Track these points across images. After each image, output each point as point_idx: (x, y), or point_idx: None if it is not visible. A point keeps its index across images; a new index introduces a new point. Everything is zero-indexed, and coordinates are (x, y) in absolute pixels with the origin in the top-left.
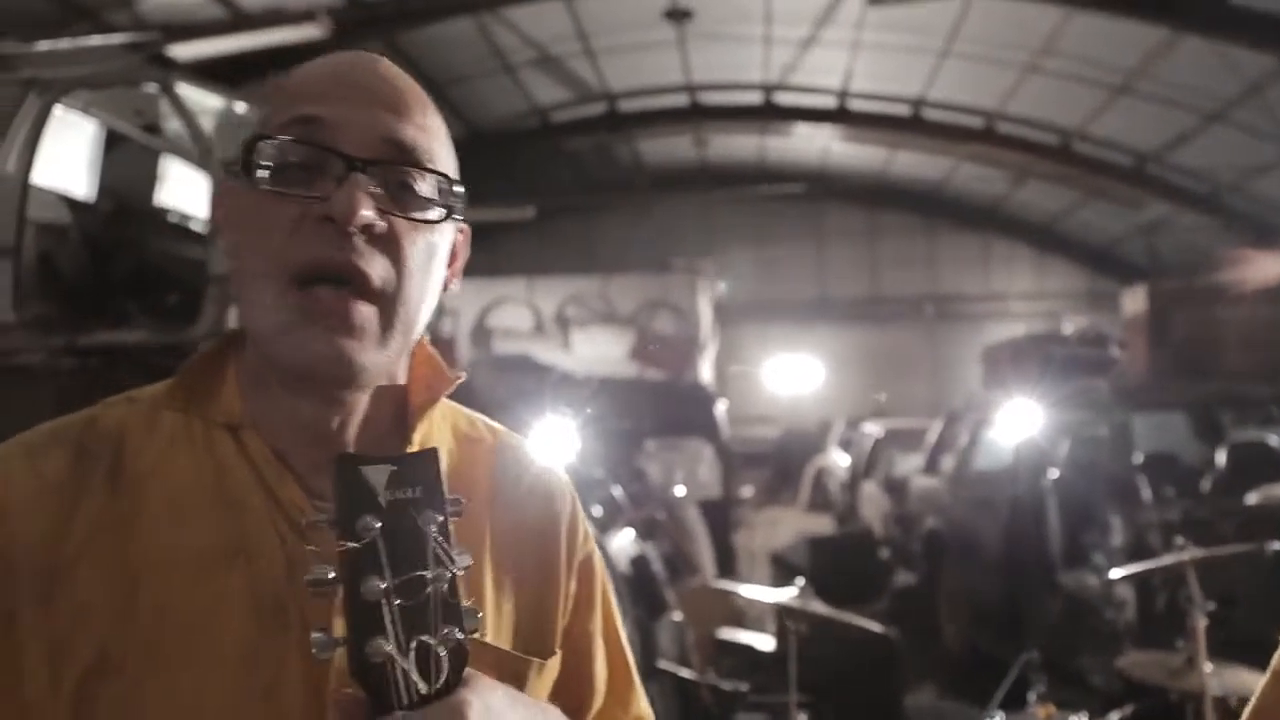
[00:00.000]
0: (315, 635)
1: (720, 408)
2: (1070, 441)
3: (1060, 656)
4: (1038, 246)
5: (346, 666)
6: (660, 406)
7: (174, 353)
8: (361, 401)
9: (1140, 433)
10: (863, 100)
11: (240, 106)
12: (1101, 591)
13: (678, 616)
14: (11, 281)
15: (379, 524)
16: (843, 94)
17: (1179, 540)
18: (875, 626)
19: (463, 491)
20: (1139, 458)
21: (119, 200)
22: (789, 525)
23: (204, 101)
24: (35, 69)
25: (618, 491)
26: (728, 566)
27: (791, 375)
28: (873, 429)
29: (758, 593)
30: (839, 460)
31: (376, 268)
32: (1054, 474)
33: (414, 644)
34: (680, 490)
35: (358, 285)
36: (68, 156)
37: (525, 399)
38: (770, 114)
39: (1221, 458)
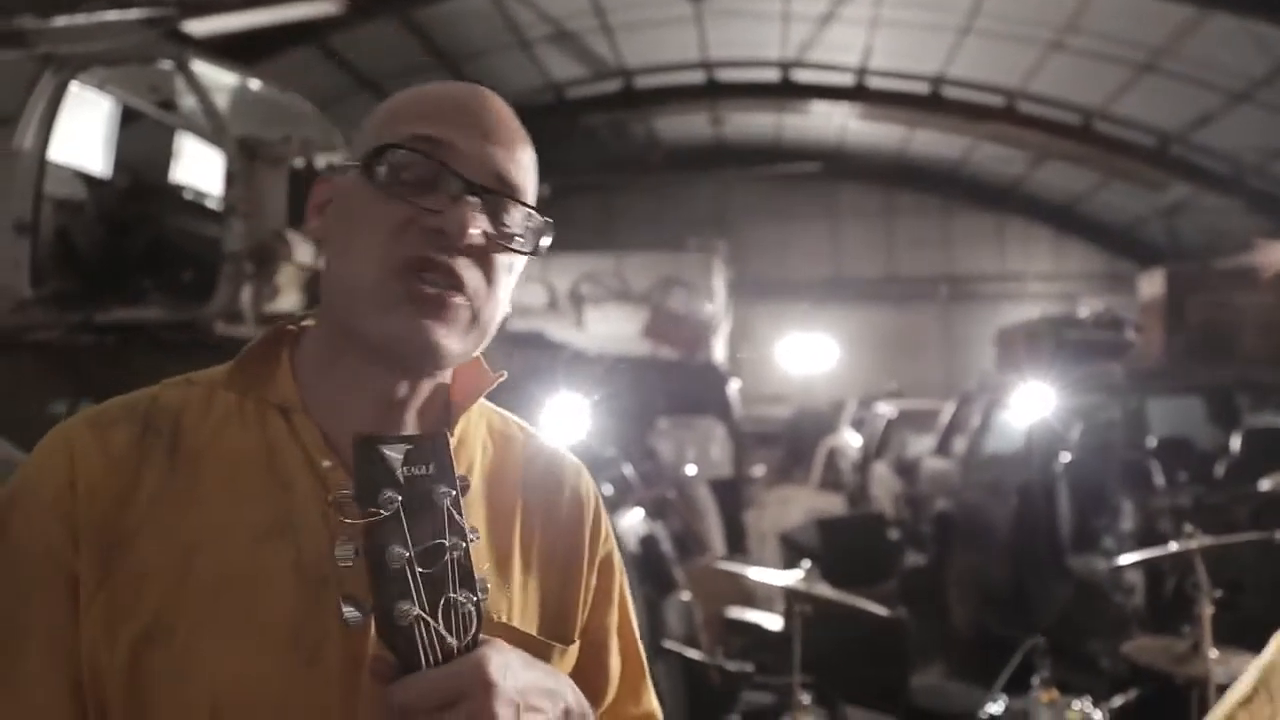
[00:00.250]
0: (345, 606)
1: (733, 387)
2: (1083, 425)
3: (1069, 640)
4: (1056, 227)
5: (376, 632)
6: (673, 385)
7: (189, 330)
8: (424, 389)
9: (1155, 417)
10: (881, 78)
11: (254, 83)
12: (1111, 576)
13: (686, 595)
14: (29, 258)
15: (399, 496)
16: (861, 71)
17: (1187, 527)
18: (880, 609)
19: (499, 484)
20: (1153, 442)
21: (135, 177)
22: (800, 505)
23: (219, 78)
24: (51, 45)
25: (629, 470)
26: (738, 545)
27: (805, 355)
28: (885, 409)
29: (763, 574)
30: (851, 440)
31: (471, 277)
32: (1066, 458)
33: (440, 603)
34: (692, 469)
35: (454, 285)
36: (84, 133)
37: (538, 376)
38: (787, 91)
39: (1236, 443)
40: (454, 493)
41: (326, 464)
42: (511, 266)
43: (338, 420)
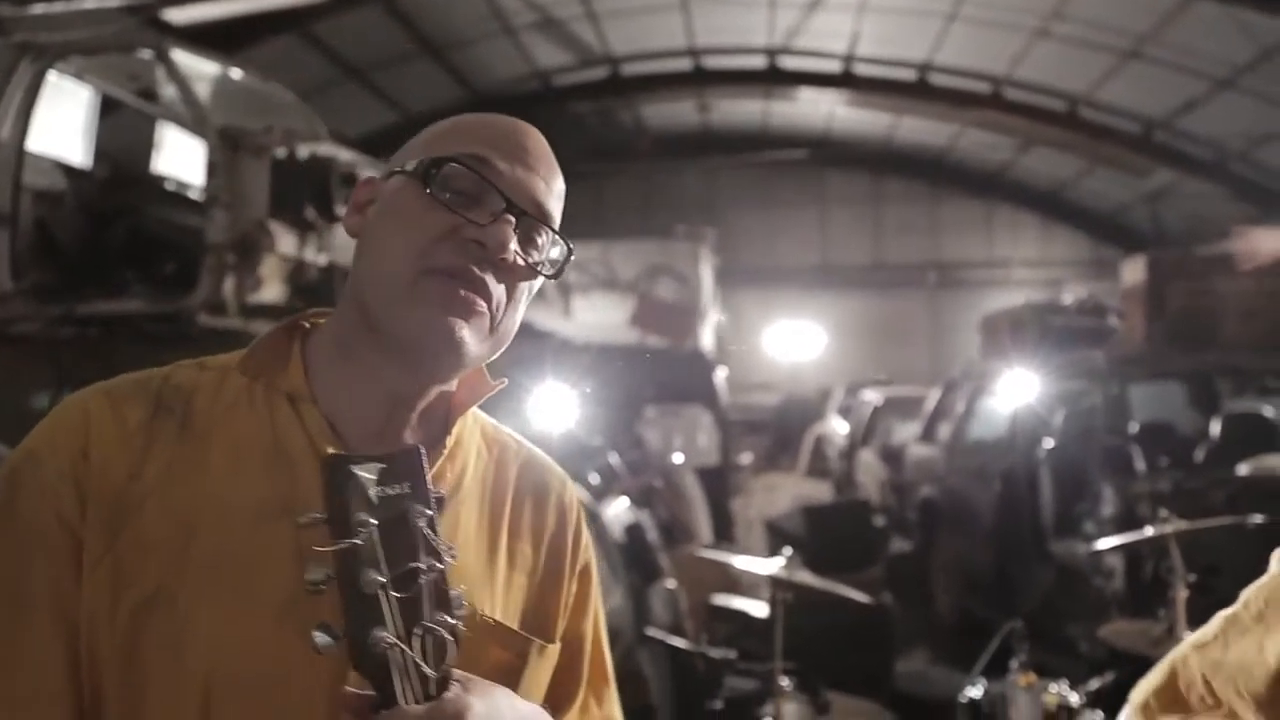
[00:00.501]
0: (316, 633)
1: (720, 375)
2: (1066, 411)
3: (1050, 624)
4: (1042, 214)
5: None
6: (660, 373)
7: (172, 321)
8: (432, 391)
9: (1137, 403)
10: (868, 65)
11: (236, 72)
12: (1090, 560)
13: (672, 583)
14: (8, 250)
15: (374, 520)
16: (848, 58)
17: (1162, 512)
18: (861, 596)
19: (491, 487)
20: (1134, 428)
21: (115, 167)
22: (787, 492)
23: (200, 67)
24: (28, 33)
25: (615, 459)
26: (725, 533)
27: (792, 342)
28: (872, 396)
29: (744, 563)
30: (838, 428)
31: (497, 290)
32: (1049, 443)
33: (416, 631)
34: (679, 457)
35: (483, 294)
36: (63, 123)
37: (525, 365)
38: (774, 78)
39: (1216, 428)
40: (430, 512)
41: (331, 449)
42: (531, 287)
43: (344, 412)
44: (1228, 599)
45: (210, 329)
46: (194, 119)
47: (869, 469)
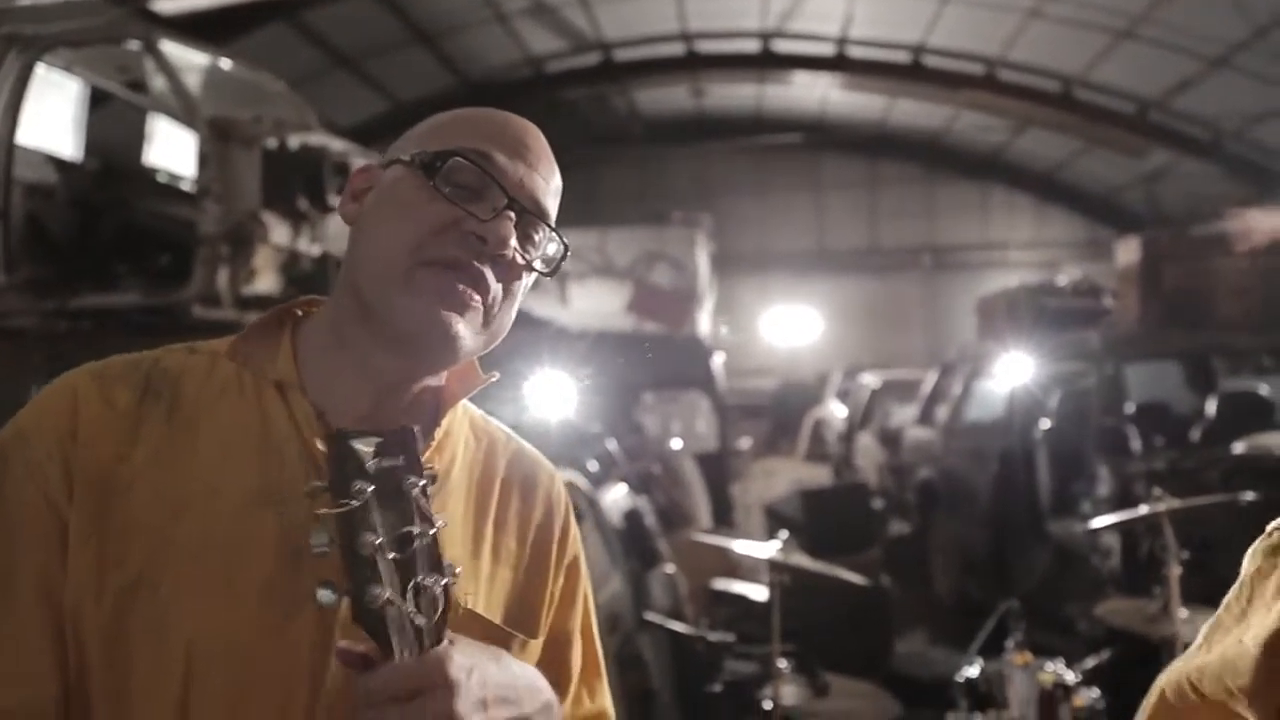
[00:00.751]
0: (319, 590)
1: (717, 360)
2: (1062, 392)
3: (1048, 604)
4: (1038, 195)
5: (349, 615)
6: (657, 359)
7: (166, 314)
8: (421, 383)
9: (1133, 383)
10: (862, 47)
11: (225, 63)
12: (1087, 540)
13: (671, 568)
14: (1, 244)
15: (370, 487)
16: (842, 41)
17: (1156, 490)
18: (858, 578)
19: (479, 479)
20: (1130, 408)
21: (106, 160)
22: (785, 476)
23: (189, 58)
24: (15, 25)
25: (613, 445)
26: (725, 518)
27: (789, 327)
28: (870, 380)
29: (741, 546)
30: (836, 411)
31: (495, 285)
32: (1045, 424)
33: (409, 586)
34: (677, 443)
35: (479, 288)
36: (52, 116)
37: (522, 353)
38: (768, 62)
39: (1212, 407)
40: (422, 483)
41: (318, 441)
42: (525, 283)
43: (333, 401)
44: (1222, 576)
45: (205, 321)
46: (184, 110)
47: (867, 452)
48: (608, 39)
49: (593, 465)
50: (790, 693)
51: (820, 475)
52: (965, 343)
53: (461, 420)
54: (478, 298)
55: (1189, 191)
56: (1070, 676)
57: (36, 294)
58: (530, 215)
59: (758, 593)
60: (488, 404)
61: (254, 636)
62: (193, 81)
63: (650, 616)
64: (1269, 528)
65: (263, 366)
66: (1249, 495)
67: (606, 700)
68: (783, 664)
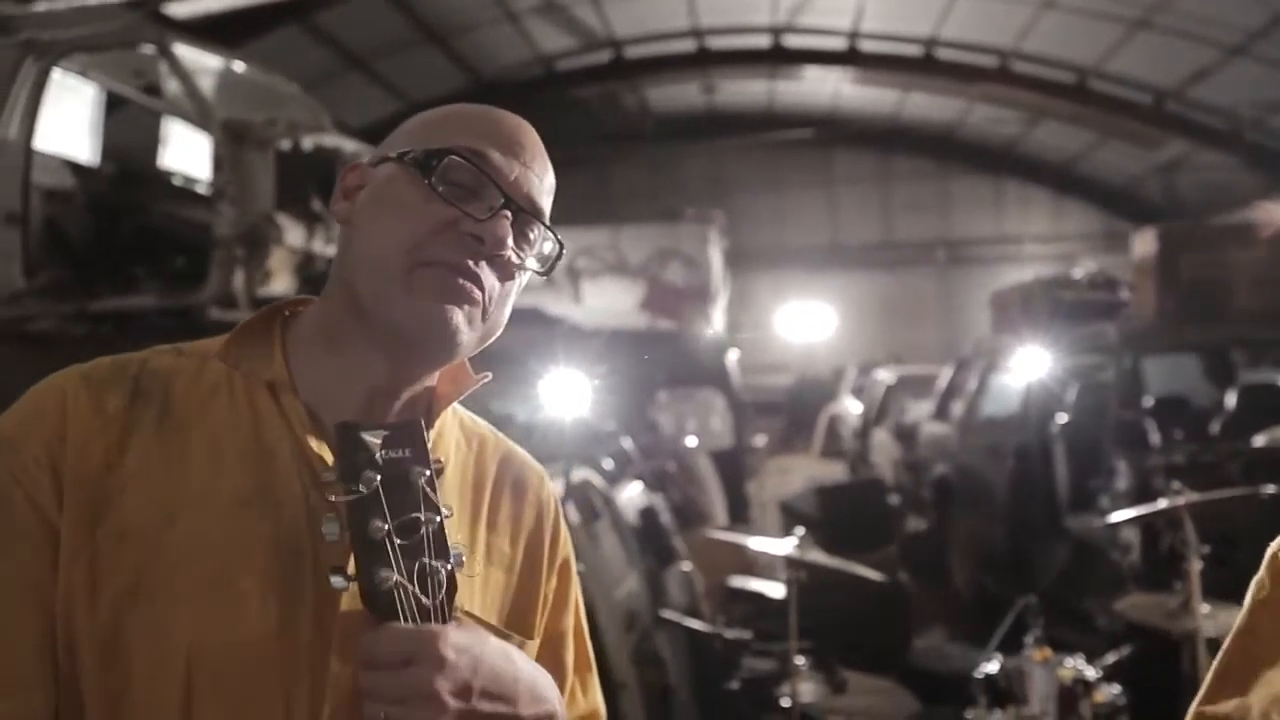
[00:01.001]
0: (332, 575)
1: (731, 357)
2: (1079, 386)
3: (1067, 599)
4: (1053, 188)
5: (360, 598)
6: (672, 357)
7: (183, 316)
8: (414, 383)
9: (1151, 376)
10: (874, 41)
11: (239, 65)
12: (1107, 535)
13: (687, 566)
14: (20, 248)
15: (378, 476)
16: (853, 35)
17: (1175, 484)
18: (873, 574)
19: (469, 480)
20: (1149, 401)
21: (122, 164)
22: (801, 473)
23: (203, 61)
24: (31, 31)
25: (628, 443)
26: (741, 515)
27: (804, 323)
28: (885, 375)
29: (756, 543)
30: (851, 408)
31: (490, 282)
32: (1062, 419)
33: (415, 568)
34: (692, 440)
35: (477, 285)
36: (69, 121)
37: (536, 351)
38: (779, 57)
39: (1232, 400)
40: (429, 473)
41: (312, 444)
42: (520, 281)
43: (326, 402)
44: (1243, 570)
45: (221, 323)
46: (198, 113)
47: (883, 448)
48: (618, 36)
49: (608, 463)
50: (808, 690)
51: (835, 472)
52: (980, 337)
53: (452, 422)
54: (477, 292)
55: (1206, 182)
56: (1090, 672)
57: (56, 297)
58: (526, 214)
59: (774, 590)
60: (503, 403)
61: (254, 639)
62: (207, 85)
63: (667, 614)
64: (1271, 549)
65: (254, 367)
66: (1270, 489)
67: (598, 695)
68: (800, 661)
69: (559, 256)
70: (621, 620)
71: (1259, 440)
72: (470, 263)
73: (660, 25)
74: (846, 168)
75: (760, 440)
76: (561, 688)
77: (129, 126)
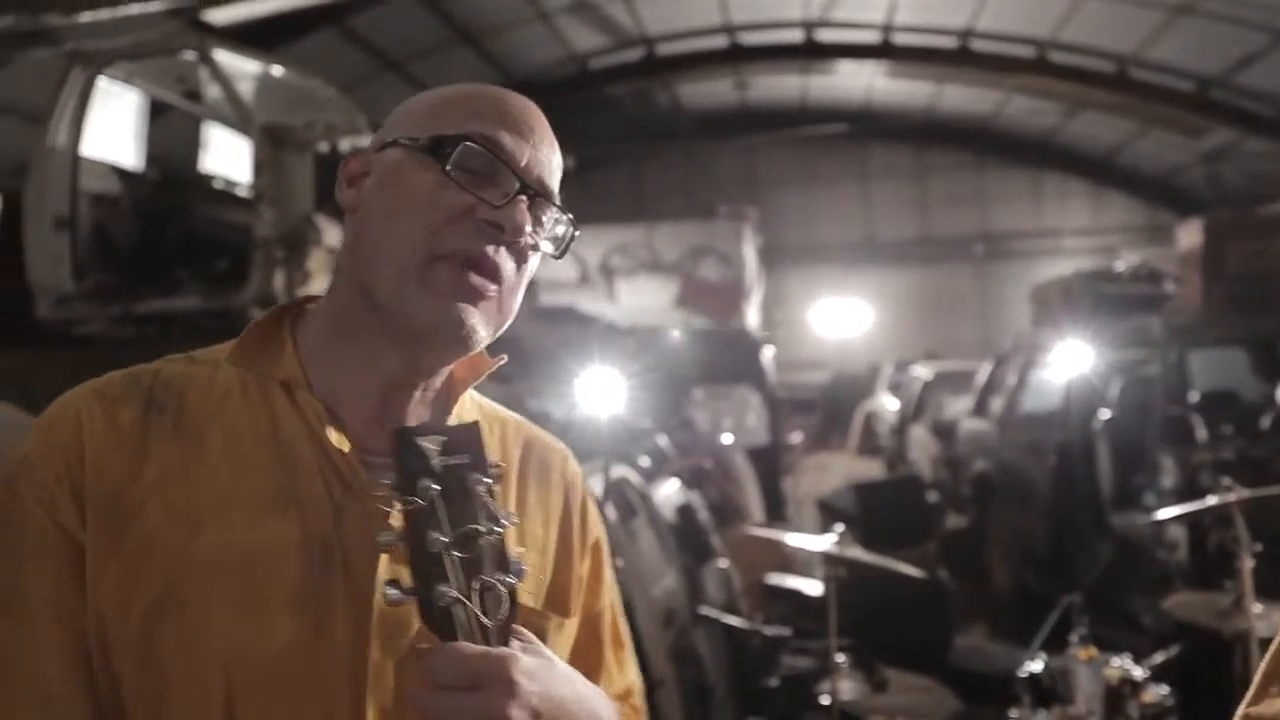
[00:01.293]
0: (387, 589)
1: (767, 354)
2: (1122, 381)
3: (1111, 598)
4: (1093, 180)
5: (417, 613)
6: (707, 354)
7: (224, 317)
8: (432, 371)
9: (1197, 370)
10: (907, 34)
11: (277, 70)
12: (1152, 532)
13: (724, 563)
14: (69, 252)
15: (436, 486)
16: (887, 28)
17: (1226, 480)
18: (915, 571)
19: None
20: (1195, 396)
21: (165, 169)
22: (838, 470)
23: (242, 66)
24: (78, 41)
25: (664, 441)
26: (777, 512)
27: (839, 319)
28: (921, 372)
29: (796, 540)
30: (888, 404)
31: (507, 269)
32: (1105, 414)
33: (475, 585)
34: (728, 437)
35: (494, 277)
36: (114, 127)
37: (570, 349)
38: (812, 52)
39: None
40: (488, 480)
41: (333, 441)
42: (534, 264)
43: (342, 397)
44: None
45: None
46: (239, 118)
47: (921, 445)
48: (650, 34)
49: (645, 461)
50: (848, 688)
51: (872, 469)
52: (1020, 332)
53: (472, 407)
54: (493, 288)
55: (1253, 171)
56: (1137, 672)
57: (103, 300)
58: (540, 198)
59: (812, 587)
60: (540, 401)
61: (288, 647)
62: (246, 89)
63: (706, 611)
64: None
65: (267, 368)
66: None
67: (634, 670)
68: (841, 659)
69: (572, 237)
70: (659, 617)
71: None
72: (490, 250)
73: (692, 22)
74: (881, 162)
75: (796, 437)
76: (599, 665)
77: (171, 132)
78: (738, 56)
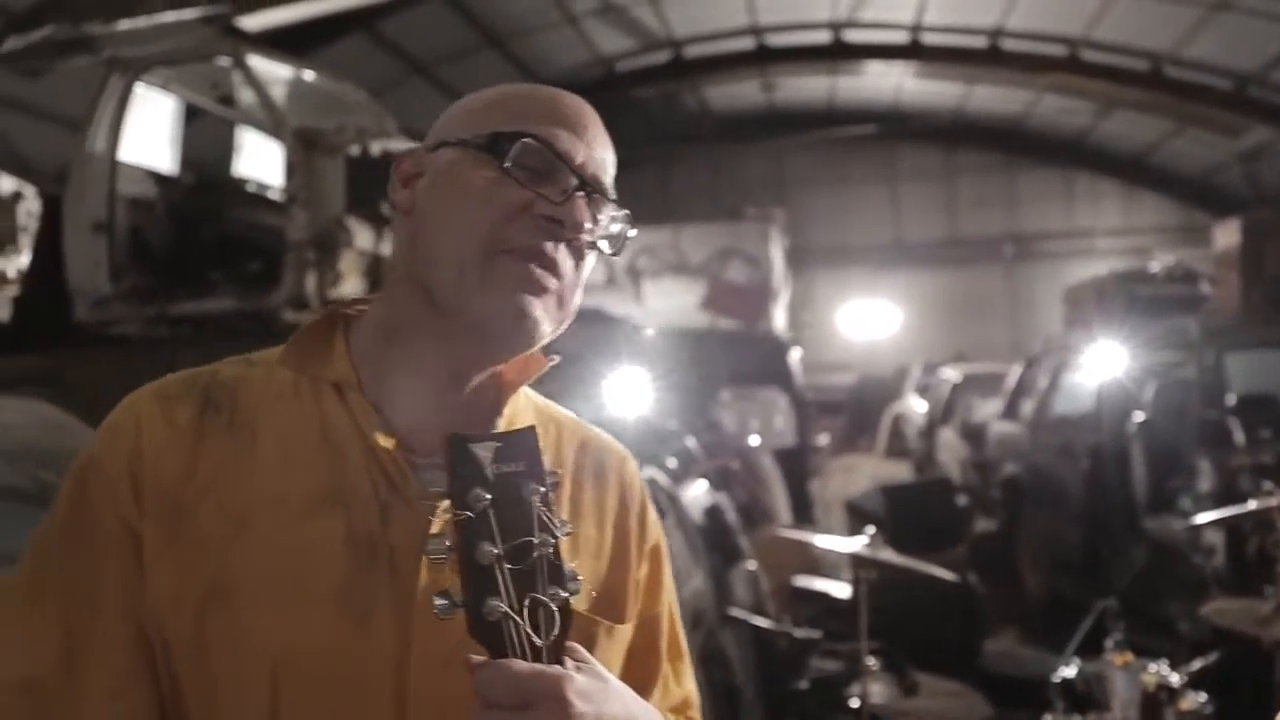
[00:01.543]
0: (436, 599)
1: (794, 355)
2: (1157, 384)
3: (1146, 603)
4: (1126, 180)
5: (466, 625)
6: (734, 356)
7: (257, 319)
8: (486, 371)
9: (1234, 373)
10: (937, 34)
11: (309, 74)
12: (1188, 537)
13: (752, 564)
14: (107, 255)
15: (489, 495)
16: (915, 28)
17: (1267, 485)
18: (946, 574)
19: (550, 464)
20: (1232, 399)
21: (200, 172)
22: (865, 472)
23: (275, 71)
24: (116, 49)
25: (692, 442)
26: (805, 514)
27: (867, 321)
28: (950, 374)
29: (827, 541)
30: (916, 406)
31: (566, 265)
32: (1139, 418)
33: (526, 601)
34: (755, 439)
35: (554, 273)
36: (151, 132)
37: (598, 351)
38: (840, 53)
39: None
40: (544, 489)
41: (380, 439)
42: (590, 261)
43: (393, 398)
44: None
45: (294, 325)
46: (272, 122)
47: (950, 448)
48: (677, 36)
49: (672, 462)
50: (878, 691)
51: (900, 471)
52: (1051, 334)
53: (525, 407)
54: (554, 281)
55: None
56: (1175, 678)
57: (139, 302)
58: (597, 195)
59: (840, 590)
60: (567, 403)
61: (334, 640)
62: (279, 94)
63: (734, 612)
64: None
65: (318, 369)
66: None
67: (691, 683)
68: (872, 662)
69: (627, 235)
70: (688, 618)
71: None
72: (550, 246)
73: (719, 24)
74: (910, 163)
75: (823, 439)
76: (655, 675)
77: (205, 136)
78: (765, 58)
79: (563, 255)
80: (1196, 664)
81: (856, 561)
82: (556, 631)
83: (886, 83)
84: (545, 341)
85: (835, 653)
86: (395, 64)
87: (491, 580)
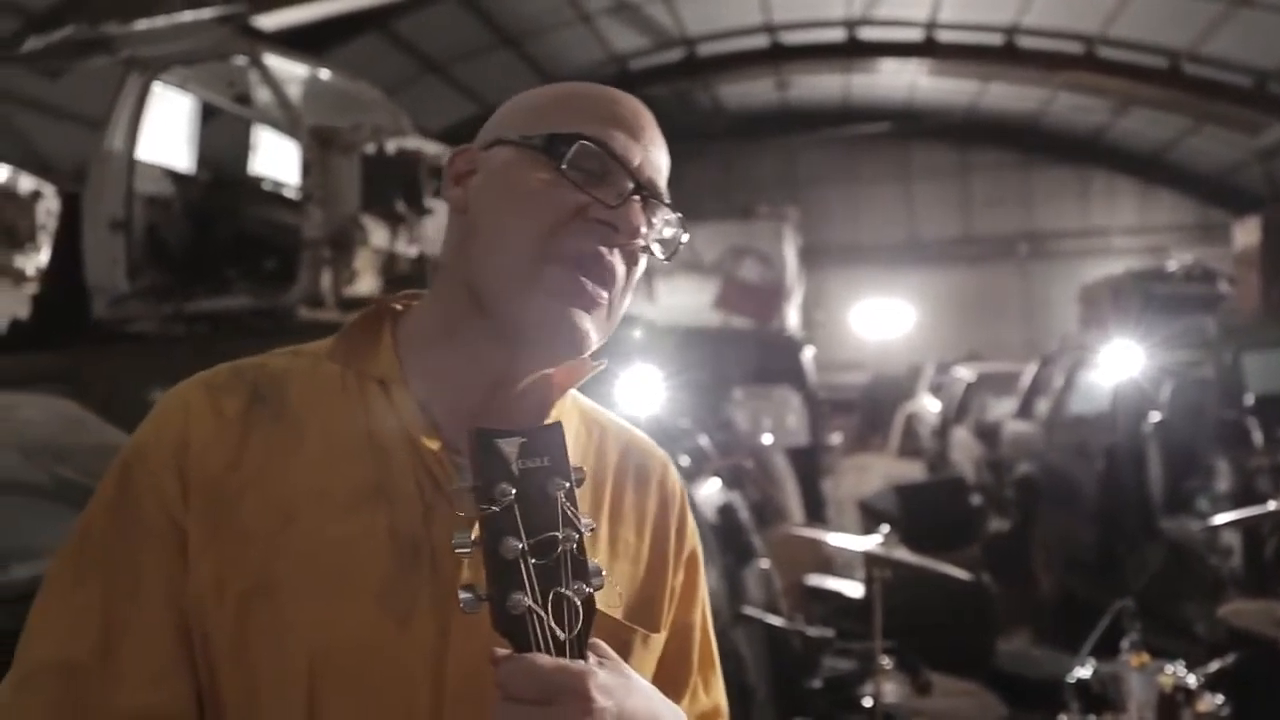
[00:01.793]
0: (461, 593)
1: (807, 354)
2: (1174, 384)
3: (1162, 604)
4: (1142, 178)
5: (490, 620)
6: (747, 355)
7: (273, 316)
8: (534, 373)
9: (1253, 373)
10: (951, 31)
11: (324, 73)
12: (1206, 538)
13: (765, 563)
14: (124, 253)
15: (513, 490)
16: (930, 25)
17: None
18: (960, 573)
19: (593, 467)
20: (1250, 399)
21: (217, 171)
22: (878, 472)
23: (291, 70)
24: (134, 49)
25: (705, 441)
26: (817, 514)
27: (880, 319)
28: (964, 373)
29: (842, 540)
30: (929, 405)
31: (620, 270)
32: (1155, 418)
33: (550, 595)
34: (768, 438)
35: (606, 281)
36: (168, 131)
37: (611, 349)
38: (854, 51)
39: None
40: (568, 485)
41: (425, 439)
42: (642, 266)
43: (439, 396)
44: None
45: (310, 322)
46: (287, 120)
47: (964, 447)
48: (691, 34)
49: (685, 461)
50: (891, 690)
51: (913, 471)
52: (1067, 333)
53: (570, 410)
54: (604, 294)
55: None
56: (1192, 680)
57: (156, 299)
58: (652, 199)
59: (853, 589)
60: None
61: (374, 638)
62: (294, 93)
63: (747, 611)
64: None
65: (364, 365)
66: None
67: (721, 694)
68: (885, 661)
69: (680, 241)
70: None
71: None
72: (605, 250)
73: (733, 21)
74: (924, 161)
75: (836, 438)
76: (685, 683)
77: (222, 135)
78: (779, 56)
79: (616, 260)
80: (1213, 665)
81: (870, 560)
82: (580, 626)
83: (901, 80)
84: (594, 349)
85: (848, 652)
86: (410, 63)
87: (516, 575)
